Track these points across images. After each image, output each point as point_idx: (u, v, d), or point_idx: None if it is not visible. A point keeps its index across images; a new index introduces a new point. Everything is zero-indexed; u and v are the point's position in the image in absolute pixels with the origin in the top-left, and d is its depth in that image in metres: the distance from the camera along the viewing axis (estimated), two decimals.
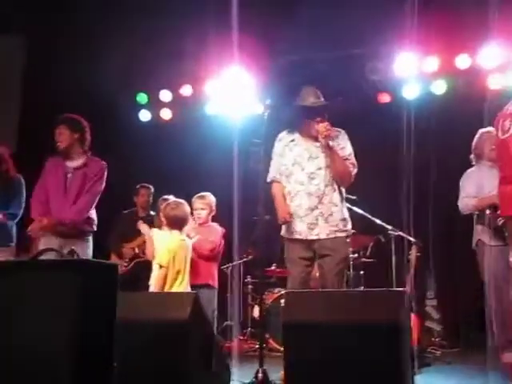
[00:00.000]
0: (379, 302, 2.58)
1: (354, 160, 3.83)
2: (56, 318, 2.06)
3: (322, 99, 3.84)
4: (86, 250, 4.03)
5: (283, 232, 3.83)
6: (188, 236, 4.12)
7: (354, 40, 5.84)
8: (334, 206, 3.72)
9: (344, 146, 3.81)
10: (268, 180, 3.85)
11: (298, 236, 3.71)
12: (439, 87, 6.15)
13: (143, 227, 4.26)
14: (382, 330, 2.51)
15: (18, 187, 4.41)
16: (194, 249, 4.16)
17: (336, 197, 3.75)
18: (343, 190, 3.89)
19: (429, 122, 5.93)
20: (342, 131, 3.90)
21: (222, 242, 4.51)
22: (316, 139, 3.78)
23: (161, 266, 3.75)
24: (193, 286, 4.03)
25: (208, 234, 4.36)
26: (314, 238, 3.67)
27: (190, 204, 4.36)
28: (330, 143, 3.71)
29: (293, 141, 3.86)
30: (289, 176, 3.79)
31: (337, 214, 3.72)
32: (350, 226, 3.81)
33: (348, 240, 3.79)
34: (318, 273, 3.85)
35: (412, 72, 6.11)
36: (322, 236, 3.67)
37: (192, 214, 4.35)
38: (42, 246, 3.98)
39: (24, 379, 2.04)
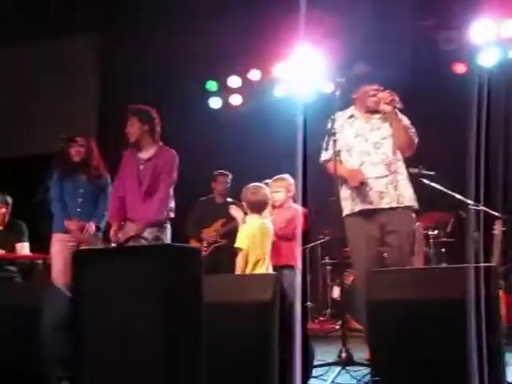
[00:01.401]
0: (462, 277, 2.50)
1: (414, 130, 3.75)
2: (145, 302, 2.14)
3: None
4: (166, 236, 4.13)
5: (348, 209, 3.70)
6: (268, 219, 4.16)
7: (427, 10, 5.64)
8: (399, 175, 3.66)
9: (401, 117, 3.73)
10: (322, 159, 3.78)
11: (368, 206, 3.62)
12: None
13: (235, 211, 4.28)
14: (465, 306, 2.44)
15: (106, 189, 4.44)
16: (275, 234, 4.15)
17: (401, 165, 3.69)
18: (404, 161, 3.78)
19: (509, 91, 5.64)
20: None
21: (301, 221, 4.48)
22: (375, 112, 3.72)
23: (240, 250, 3.80)
24: (275, 267, 4.07)
25: (286, 216, 4.37)
26: (385, 206, 3.60)
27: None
28: (398, 105, 3.63)
29: (351, 117, 3.80)
30: (350, 150, 3.73)
31: (403, 183, 3.66)
32: (416, 199, 3.70)
33: (414, 215, 3.69)
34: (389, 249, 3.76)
35: (489, 38, 5.82)
36: (393, 204, 3.59)
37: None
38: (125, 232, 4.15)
39: (119, 361, 2.13)
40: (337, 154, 3.65)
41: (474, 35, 5.84)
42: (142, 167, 4.15)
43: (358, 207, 3.66)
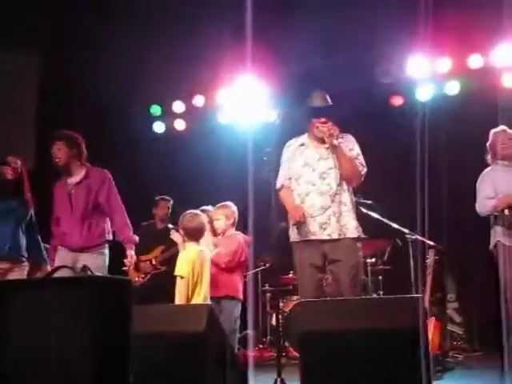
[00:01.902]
0: (394, 308, 2.56)
1: (362, 160, 3.85)
2: (71, 333, 2.08)
3: (330, 102, 3.88)
4: (101, 262, 4.08)
5: (293, 236, 3.80)
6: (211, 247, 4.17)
7: (364, 44, 5.83)
8: (344, 206, 3.72)
9: (352, 148, 3.85)
10: (277, 187, 3.86)
11: (311, 236, 3.69)
12: (452, 88, 6.11)
13: (176, 236, 4.26)
14: (398, 336, 2.49)
15: (32, 216, 4.35)
16: (213, 262, 4.18)
17: (346, 197, 3.76)
18: (352, 192, 3.87)
19: (443, 124, 5.89)
20: (349, 135, 3.94)
21: (246, 250, 4.50)
22: (324, 141, 3.80)
23: (181, 277, 3.77)
24: (214, 298, 4.09)
25: (227, 245, 4.37)
26: (326, 238, 3.65)
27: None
28: (335, 142, 3.72)
29: (302, 145, 3.90)
30: (298, 178, 3.81)
31: (347, 215, 3.72)
32: (360, 229, 3.78)
33: (359, 244, 3.76)
34: (330, 278, 3.82)
35: (424, 73, 6.08)
36: (334, 236, 3.65)
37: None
38: (57, 260, 4.07)
39: None
40: (287, 182, 3.79)
41: (411, 70, 6.07)
42: (73, 192, 4.13)
43: (301, 236, 3.74)
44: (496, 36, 5.65)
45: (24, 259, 4.26)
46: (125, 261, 4.15)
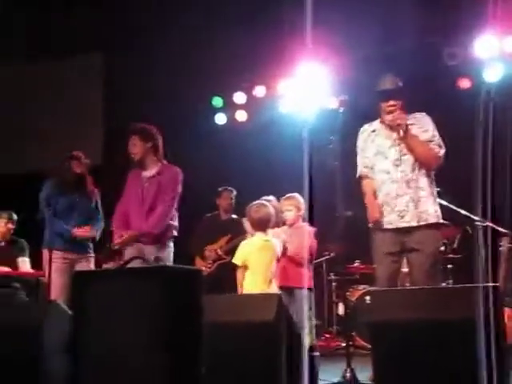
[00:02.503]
0: (466, 298, 2.48)
1: (439, 141, 3.71)
2: (144, 324, 2.13)
3: (401, 85, 3.77)
4: (167, 255, 4.09)
5: (371, 224, 3.74)
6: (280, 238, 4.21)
7: (429, 26, 5.65)
8: (421, 191, 3.63)
9: (427, 129, 3.72)
10: (357, 175, 3.81)
11: (388, 226, 3.62)
12: None
13: (248, 225, 4.31)
14: (471, 327, 2.42)
15: (97, 206, 4.52)
16: (291, 257, 4.25)
17: (423, 182, 3.65)
18: (432, 175, 3.76)
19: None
20: (424, 114, 3.80)
21: (315, 242, 4.52)
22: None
23: (236, 265, 3.84)
24: (286, 288, 4.16)
25: (300, 238, 4.39)
26: (405, 225, 3.57)
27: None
28: (402, 134, 3.62)
29: (374, 131, 3.82)
30: (373, 167, 3.76)
31: (426, 200, 3.62)
32: (440, 215, 3.68)
33: (438, 232, 3.67)
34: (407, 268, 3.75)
35: (493, 54, 5.82)
36: (413, 223, 3.57)
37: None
38: (126, 254, 4.13)
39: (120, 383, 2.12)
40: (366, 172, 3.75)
41: (478, 51, 5.84)
42: (146, 185, 4.17)
43: (379, 225, 3.67)
44: None
45: (90, 251, 4.41)
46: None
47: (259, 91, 6.90)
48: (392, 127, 3.69)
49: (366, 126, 3.88)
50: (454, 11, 5.38)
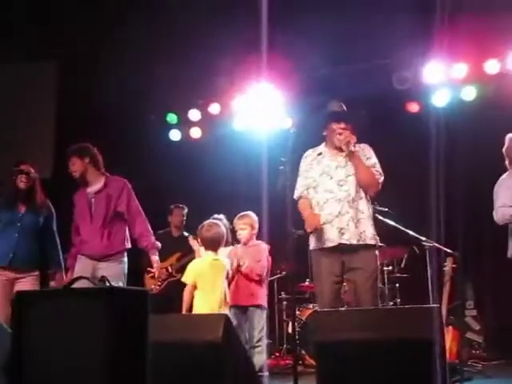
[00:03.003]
0: (411, 318, 2.55)
1: (379, 169, 3.87)
2: (88, 344, 2.09)
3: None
4: (121, 270, 4.12)
5: (312, 245, 3.83)
6: (236, 258, 4.26)
7: (380, 51, 5.81)
8: (361, 213, 3.74)
9: (370, 157, 3.87)
10: (295, 197, 3.87)
11: (329, 244, 3.69)
12: (469, 94, 6.07)
13: (194, 243, 4.32)
14: (415, 347, 2.48)
15: (50, 222, 4.38)
16: (246, 274, 4.31)
17: (363, 204, 3.77)
18: (369, 200, 3.87)
19: (459, 129, 5.85)
20: (366, 144, 3.96)
21: (270, 259, 4.56)
22: (342, 150, 3.83)
23: (185, 284, 3.83)
24: (240, 307, 4.23)
25: (255, 256, 4.42)
26: (346, 242, 3.66)
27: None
28: (352, 148, 3.74)
29: (320, 154, 3.92)
30: (316, 187, 3.83)
31: (365, 221, 3.73)
32: (378, 238, 3.79)
33: (377, 252, 3.76)
34: (347, 287, 3.82)
35: (441, 79, 6.04)
36: (353, 241, 3.65)
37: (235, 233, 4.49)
38: (77, 269, 4.12)
39: None
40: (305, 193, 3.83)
41: (427, 76, 6.04)
42: (93, 200, 4.17)
43: (320, 244, 3.74)
44: None
45: (33, 269, 4.21)
46: (152, 269, 4.29)
47: (214, 108, 6.93)
48: (341, 147, 3.80)
49: (310, 151, 3.99)
50: (404, 36, 5.56)
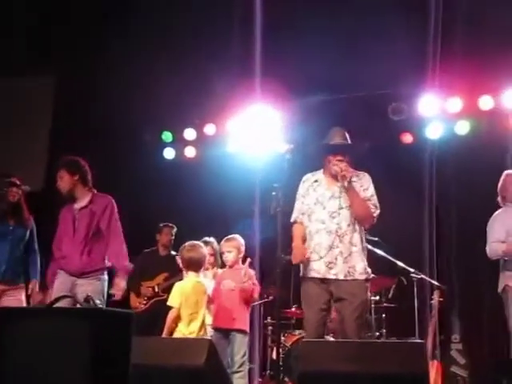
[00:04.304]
0: (396, 353, 2.53)
1: (376, 201, 3.80)
2: (70, 365, 2.07)
3: (349, 141, 3.86)
4: (100, 288, 4.04)
5: (301, 272, 3.81)
6: (219, 279, 4.21)
7: (378, 81, 5.87)
8: (353, 247, 3.69)
9: (367, 188, 3.80)
10: (291, 220, 3.85)
11: (315, 274, 3.67)
12: (462, 128, 6.12)
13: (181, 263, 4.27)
14: (399, 381, 2.46)
15: (33, 234, 4.43)
16: (240, 295, 4.27)
17: (356, 237, 3.72)
18: (363, 231, 3.85)
19: (452, 163, 5.90)
20: (366, 174, 3.90)
21: (257, 284, 4.53)
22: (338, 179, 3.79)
23: (171, 307, 3.78)
24: (223, 330, 4.18)
25: (241, 279, 4.38)
26: (332, 277, 3.63)
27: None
28: (346, 184, 3.70)
29: (316, 181, 3.89)
30: (310, 215, 3.80)
31: (356, 255, 3.68)
32: (369, 269, 3.75)
33: (367, 284, 3.72)
34: (333, 315, 3.80)
35: (435, 112, 6.11)
36: (340, 276, 3.62)
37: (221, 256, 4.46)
38: (57, 284, 4.06)
39: None
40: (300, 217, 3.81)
41: (422, 108, 6.11)
42: (78, 216, 4.15)
43: (308, 273, 3.72)
44: (507, 78, 5.70)
45: (20, 282, 4.27)
46: (111, 291, 4.06)
47: (209, 129, 6.95)
48: (336, 177, 3.77)
49: (309, 175, 3.95)
50: (401, 67, 5.62)
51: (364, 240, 3.82)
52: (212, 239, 4.46)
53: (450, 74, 5.64)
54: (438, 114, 6.09)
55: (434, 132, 6.19)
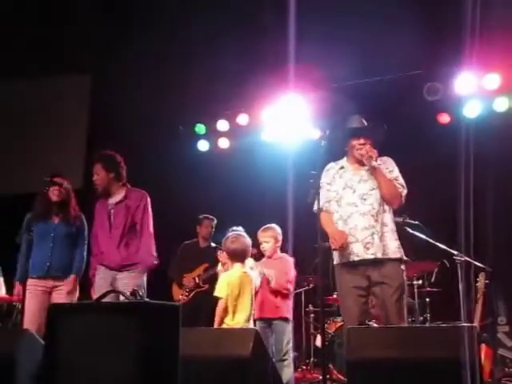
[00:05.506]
0: (444, 337, 2.49)
1: (402, 181, 3.81)
2: (120, 358, 2.10)
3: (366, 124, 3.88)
4: (140, 281, 4.05)
5: (336, 260, 3.78)
6: (262, 272, 4.24)
7: (411, 61, 5.76)
8: (385, 226, 3.70)
9: (392, 170, 3.83)
10: (315, 209, 3.77)
11: (354, 258, 3.65)
12: (501, 104, 5.96)
13: (223, 257, 4.28)
14: (448, 366, 2.42)
15: (81, 232, 4.47)
16: (273, 288, 4.29)
17: (387, 218, 3.73)
18: (392, 213, 3.81)
19: (490, 141, 5.74)
20: (389, 157, 3.91)
21: (295, 272, 4.52)
22: (363, 164, 3.80)
23: (219, 298, 3.78)
24: (266, 319, 4.20)
25: (281, 268, 4.38)
26: (370, 257, 3.61)
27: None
28: (374, 163, 3.71)
29: (342, 168, 3.90)
30: (339, 200, 3.80)
31: (389, 234, 3.69)
32: (402, 251, 3.73)
33: (403, 267, 3.70)
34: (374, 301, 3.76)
35: (472, 90, 5.96)
36: (378, 255, 3.61)
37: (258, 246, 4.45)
38: (97, 279, 4.13)
39: None
40: (327, 205, 3.78)
41: (458, 87, 5.96)
42: (113, 211, 4.19)
43: (344, 259, 3.70)
44: None
45: (68, 275, 4.32)
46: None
47: (242, 119, 6.94)
48: (361, 162, 3.78)
49: (332, 164, 3.96)
50: (435, 46, 5.50)
51: (394, 221, 3.81)
52: (240, 228, 4.45)
53: (486, 50, 5.48)
54: (474, 91, 5.94)
55: (471, 111, 6.05)
